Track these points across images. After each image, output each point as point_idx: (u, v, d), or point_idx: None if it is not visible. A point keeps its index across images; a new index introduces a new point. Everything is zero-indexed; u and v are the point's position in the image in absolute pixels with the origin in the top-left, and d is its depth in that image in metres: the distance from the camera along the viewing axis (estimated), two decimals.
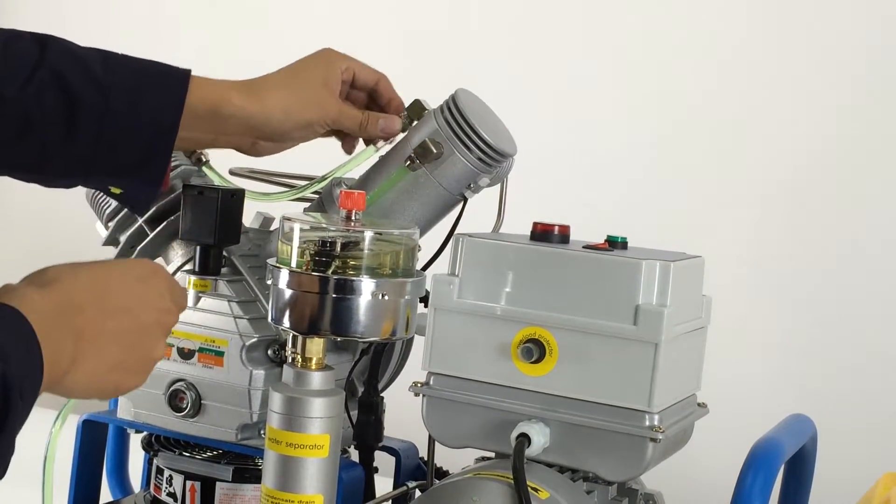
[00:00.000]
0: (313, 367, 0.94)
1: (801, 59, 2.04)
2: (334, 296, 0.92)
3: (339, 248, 0.94)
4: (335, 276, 0.92)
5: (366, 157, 1.19)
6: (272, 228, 1.25)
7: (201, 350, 1.16)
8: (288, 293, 0.93)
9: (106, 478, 1.39)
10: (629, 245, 1.07)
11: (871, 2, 2.01)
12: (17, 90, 1.05)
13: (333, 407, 0.93)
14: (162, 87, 1.08)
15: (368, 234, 0.94)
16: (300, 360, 0.94)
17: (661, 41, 2.15)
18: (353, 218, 0.95)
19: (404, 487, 1.24)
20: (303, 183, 1.21)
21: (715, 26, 2.13)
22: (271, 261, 0.96)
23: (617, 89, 2.16)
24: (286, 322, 0.94)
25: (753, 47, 2.07)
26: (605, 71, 2.18)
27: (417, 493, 1.19)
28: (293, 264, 0.94)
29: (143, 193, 1.10)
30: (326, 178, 1.19)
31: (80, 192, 1.22)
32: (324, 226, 0.97)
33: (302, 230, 0.94)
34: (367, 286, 0.93)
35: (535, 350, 1.01)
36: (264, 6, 2.59)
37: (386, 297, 0.94)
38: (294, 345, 0.94)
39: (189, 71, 1.09)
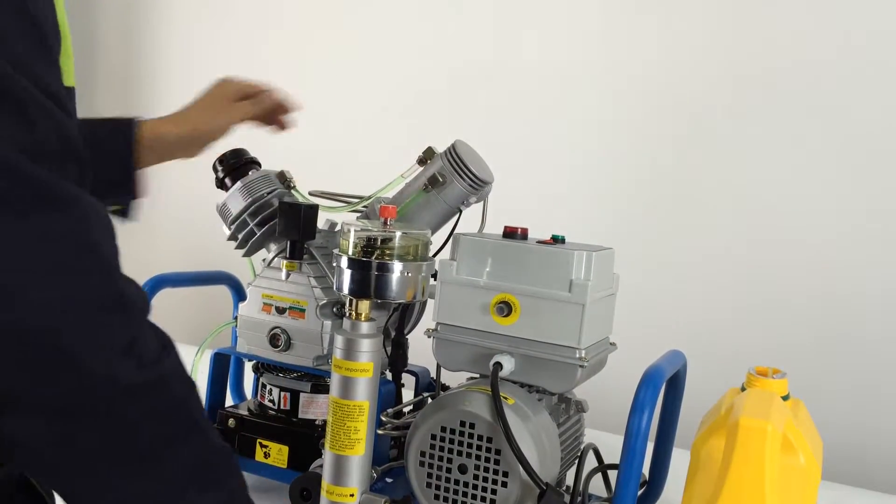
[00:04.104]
0: (363, 319, 0.95)
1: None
2: (376, 273, 0.93)
3: (379, 242, 0.95)
4: (377, 260, 0.93)
5: (397, 185, 1.20)
6: (336, 230, 1.26)
7: (291, 308, 1.18)
8: (346, 271, 0.95)
9: (229, 390, 1.40)
10: (567, 241, 1.08)
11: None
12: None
13: (375, 345, 0.95)
14: (118, 133, 1.08)
15: (398, 234, 0.95)
16: (354, 315, 0.95)
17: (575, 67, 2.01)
18: (388, 223, 0.96)
19: (421, 397, 1.25)
20: (356, 200, 1.22)
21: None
22: (336, 250, 0.97)
23: (555, 131, 2.08)
24: (345, 290, 0.95)
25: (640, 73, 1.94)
26: (549, 116, 2.10)
27: (430, 400, 1.20)
28: (350, 253, 0.95)
29: (130, 203, 1.10)
30: (371, 198, 1.20)
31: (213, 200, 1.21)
32: (369, 228, 0.98)
33: (355, 231, 0.96)
34: (397, 267, 0.94)
35: (505, 308, 1.02)
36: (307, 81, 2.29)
37: (409, 274, 0.95)
38: (350, 305, 0.96)
39: (136, 117, 1.10)
